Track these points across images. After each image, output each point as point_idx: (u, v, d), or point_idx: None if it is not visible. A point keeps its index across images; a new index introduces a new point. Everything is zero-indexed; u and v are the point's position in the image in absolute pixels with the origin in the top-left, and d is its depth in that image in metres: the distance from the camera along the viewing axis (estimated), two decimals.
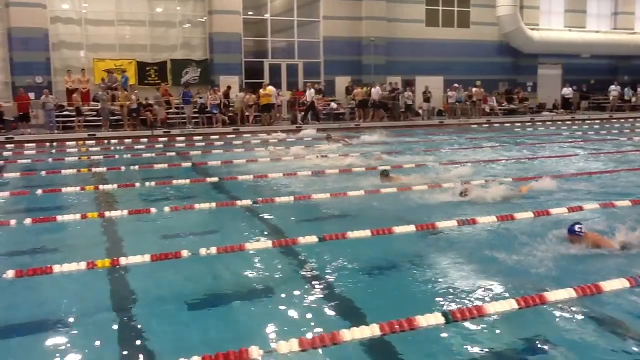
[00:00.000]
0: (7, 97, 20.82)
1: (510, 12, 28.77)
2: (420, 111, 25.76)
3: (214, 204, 8.46)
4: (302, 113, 23.34)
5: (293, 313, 4.68)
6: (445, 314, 4.33)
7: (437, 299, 4.91)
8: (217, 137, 18.91)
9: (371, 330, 4.06)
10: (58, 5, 22.77)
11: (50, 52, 22.13)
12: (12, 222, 7.60)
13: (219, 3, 24.22)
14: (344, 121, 24.12)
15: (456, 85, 26.27)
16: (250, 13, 25.79)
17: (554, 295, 4.70)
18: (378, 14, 26.79)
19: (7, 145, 17.14)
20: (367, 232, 6.66)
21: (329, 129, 20.25)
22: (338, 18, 26.47)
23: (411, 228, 6.89)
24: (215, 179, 10.94)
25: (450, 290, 5.09)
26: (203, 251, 6.02)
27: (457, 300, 4.83)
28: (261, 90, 22.64)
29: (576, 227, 6.04)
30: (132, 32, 23.90)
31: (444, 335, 4.20)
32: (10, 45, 21.47)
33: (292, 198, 8.82)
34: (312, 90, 23.40)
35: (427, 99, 25.56)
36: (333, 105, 24.47)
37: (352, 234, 6.59)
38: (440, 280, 5.38)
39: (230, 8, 24.38)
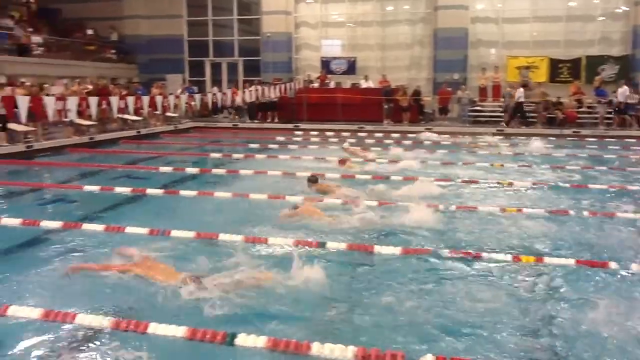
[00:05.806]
0: (428, 92, 23.42)
1: None
2: None
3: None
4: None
5: None
6: None
7: None
8: (634, 140, 17.37)
9: None
10: (478, 5, 24.30)
11: (468, 50, 23.85)
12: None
13: None
14: None
15: None
16: None
17: None
18: None
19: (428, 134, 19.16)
20: None
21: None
22: None
23: None
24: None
25: None
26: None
27: None
28: None
29: None
30: (545, 29, 23.78)
31: None
32: (435, 44, 24.04)
33: None
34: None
35: None
36: None
37: None
38: None
39: None
